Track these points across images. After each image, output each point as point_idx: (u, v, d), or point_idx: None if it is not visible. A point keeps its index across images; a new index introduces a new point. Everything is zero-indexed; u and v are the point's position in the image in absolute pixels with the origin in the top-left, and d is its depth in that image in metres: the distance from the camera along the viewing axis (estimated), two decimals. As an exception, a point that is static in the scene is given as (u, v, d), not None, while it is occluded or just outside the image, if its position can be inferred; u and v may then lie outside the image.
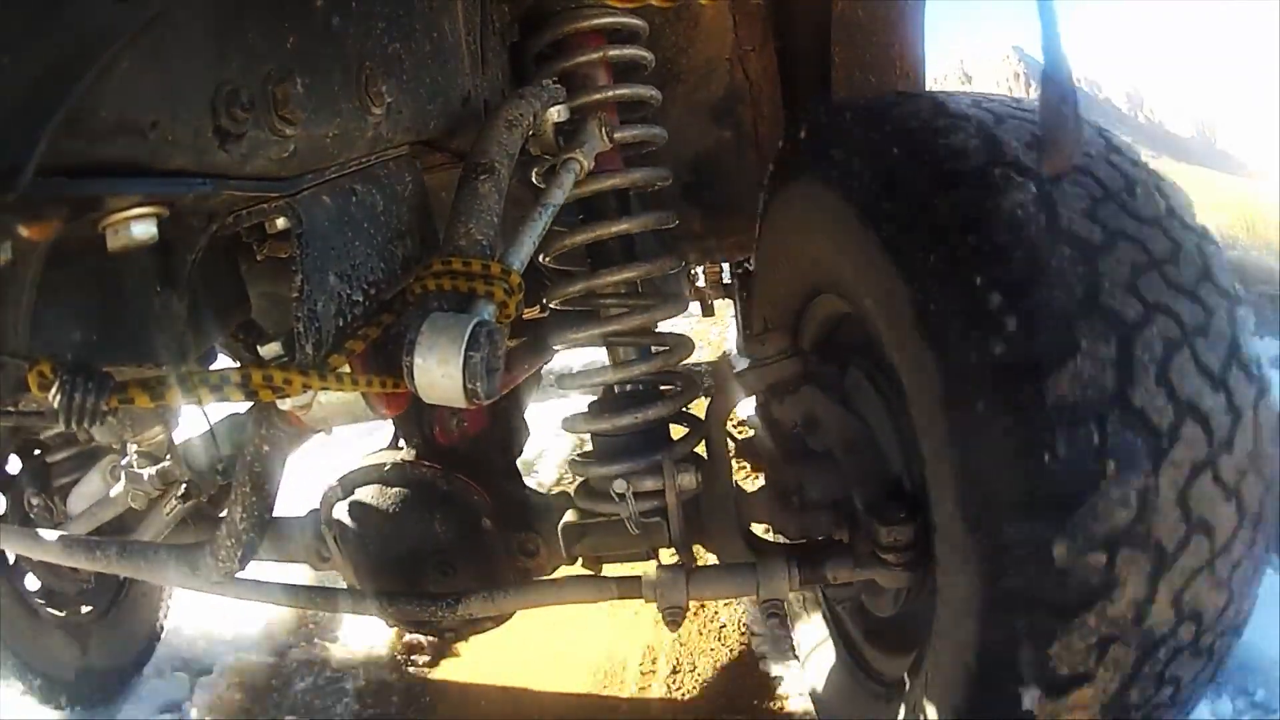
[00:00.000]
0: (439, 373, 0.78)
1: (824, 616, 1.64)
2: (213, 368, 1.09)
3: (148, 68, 0.64)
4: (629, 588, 1.32)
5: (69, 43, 0.57)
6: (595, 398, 1.44)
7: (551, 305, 1.42)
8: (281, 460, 1.09)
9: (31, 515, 1.91)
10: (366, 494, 1.48)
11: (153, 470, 1.43)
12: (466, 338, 0.78)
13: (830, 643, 1.60)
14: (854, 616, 1.53)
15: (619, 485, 1.31)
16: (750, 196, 1.62)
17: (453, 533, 1.46)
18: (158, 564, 1.27)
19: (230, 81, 0.71)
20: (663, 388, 1.42)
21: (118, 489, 1.51)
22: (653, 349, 1.40)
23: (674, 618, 1.31)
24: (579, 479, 1.46)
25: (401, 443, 1.59)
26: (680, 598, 1.28)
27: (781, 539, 1.43)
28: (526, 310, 1.80)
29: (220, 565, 1.10)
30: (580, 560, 1.48)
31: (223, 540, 1.12)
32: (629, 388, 1.41)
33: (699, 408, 1.42)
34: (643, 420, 1.34)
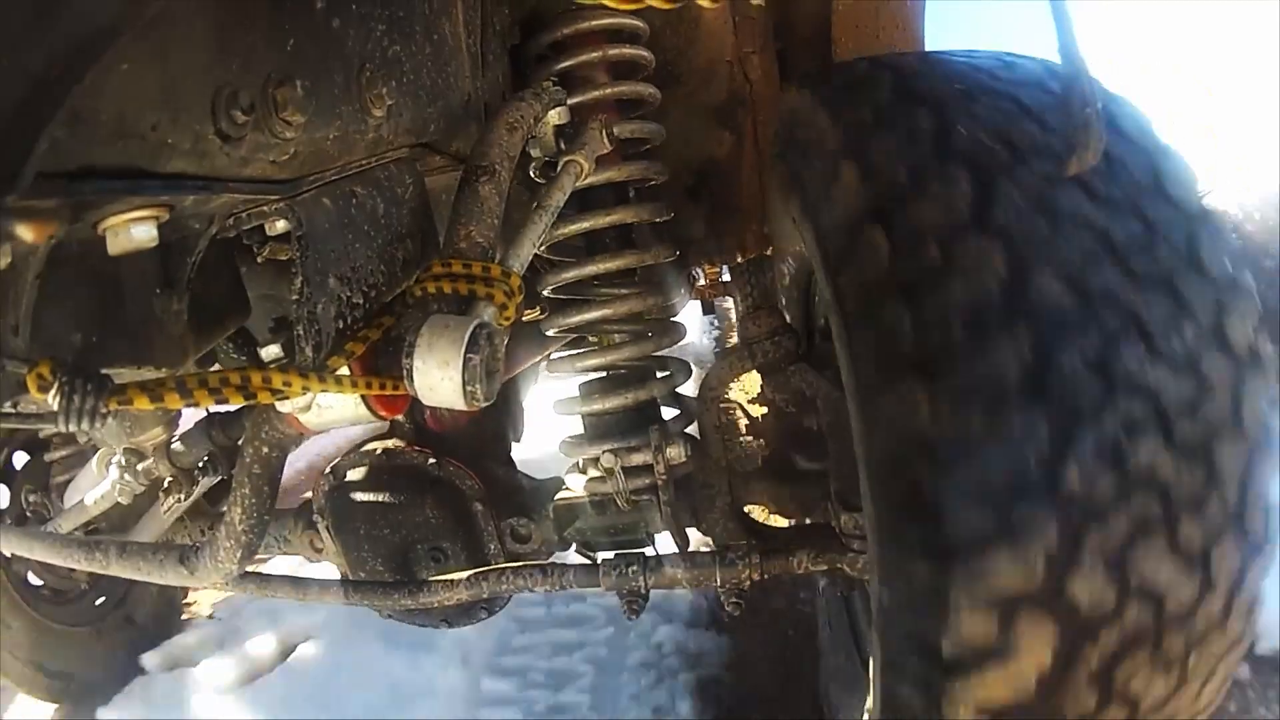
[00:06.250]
0: (438, 375, 0.78)
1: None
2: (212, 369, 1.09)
3: (148, 69, 0.64)
4: (586, 575, 1.31)
5: (69, 43, 0.57)
6: (587, 380, 1.45)
7: (546, 294, 1.42)
8: (280, 462, 1.09)
9: (28, 513, 1.91)
10: (358, 482, 1.48)
11: (138, 466, 1.44)
12: (466, 340, 0.78)
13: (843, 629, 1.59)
14: (862, 598, 1.53)
15: (607, 459, 1.31)
16: (751, 198, 1.61)
17: (443, 518, 1.47)
18: (156, 565, 1.27)
19: (230, 84, 0.71)
20: (654, 371, 1.43)
21: (104, 484, 1.51)
22: (646, 334, 1.41)
23: (633, 606, 1.30)
24: (571, 462, 1.46)
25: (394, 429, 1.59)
26: (638, 585, 1.27)
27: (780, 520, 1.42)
28: (527, 312, 1.79)
29: (219, 567, 1.10)
30: (574, 546, 1.48)
31: (222, 542, 1.12)
32: (621, 370, 1.42)
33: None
34: (633, 400, 1.35)
